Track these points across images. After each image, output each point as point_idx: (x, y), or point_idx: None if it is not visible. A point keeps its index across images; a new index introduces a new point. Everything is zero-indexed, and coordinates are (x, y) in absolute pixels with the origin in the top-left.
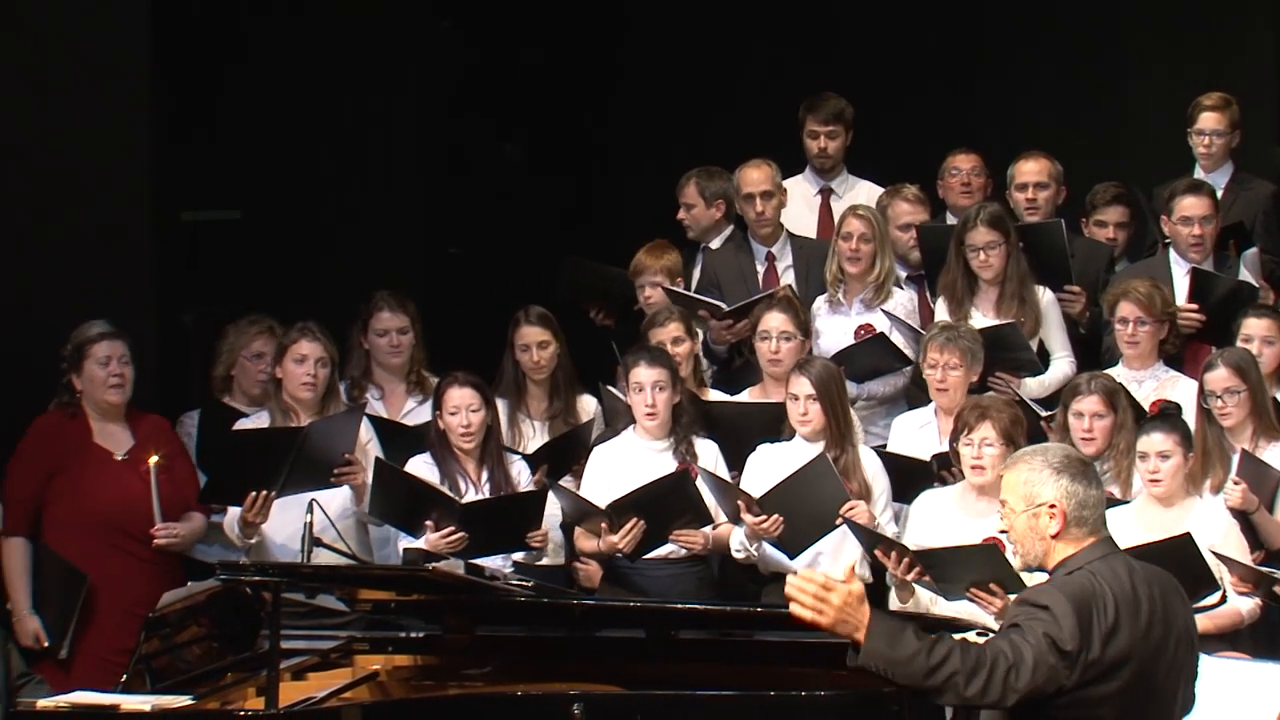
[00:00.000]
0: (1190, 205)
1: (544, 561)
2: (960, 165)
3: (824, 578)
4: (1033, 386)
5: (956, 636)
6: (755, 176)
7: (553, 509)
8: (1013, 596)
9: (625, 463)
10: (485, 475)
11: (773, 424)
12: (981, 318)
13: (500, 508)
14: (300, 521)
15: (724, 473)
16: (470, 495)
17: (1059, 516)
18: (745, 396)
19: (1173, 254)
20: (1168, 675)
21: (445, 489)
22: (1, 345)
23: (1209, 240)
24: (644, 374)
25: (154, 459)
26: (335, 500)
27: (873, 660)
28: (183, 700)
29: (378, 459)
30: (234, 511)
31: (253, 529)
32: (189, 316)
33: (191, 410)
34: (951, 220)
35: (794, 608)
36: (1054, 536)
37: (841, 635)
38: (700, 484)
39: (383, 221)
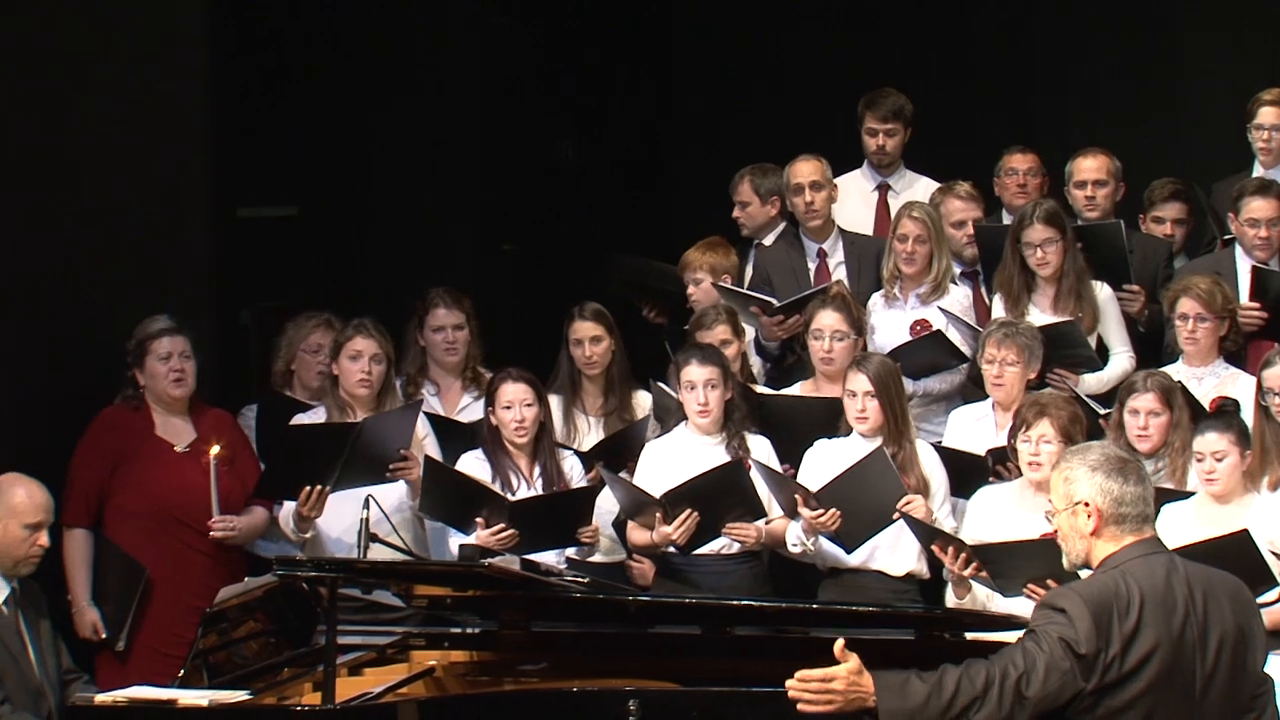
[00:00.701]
0: (1259, 208)
1: (598, 558)
2: (1016, 165)
3: (820, 672)
4: (1091, 383)
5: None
6: (804, 168)
7: (606, 505)
8: None
9: (678, 458)
10: (537, 470)
11: (826, 418)
12: (1039, 314)
13: (550, 505)
14: (355, 516)
15: (777, 468)
16: (522, 490)
17: (1095, 514)
18: (796, 391)
19: (1238, 250)
20: (1209, 679)
21: (497, 485)
22: (66, 341)
23: (1276, 241)
24: (695, 372)
25: (214, 450)
26: (391, 495)
27: (894, 718)
28: (240, 695)
29: (427, 457)
30: (289, 506)
31: (307, 523)
32: (247, 313)
33: (251, 404)
34: (1007, 219)
35: (802, 707)
36: (1092, 534)
37: (856, 709)
38: (754, 477)
39: (438, 218)
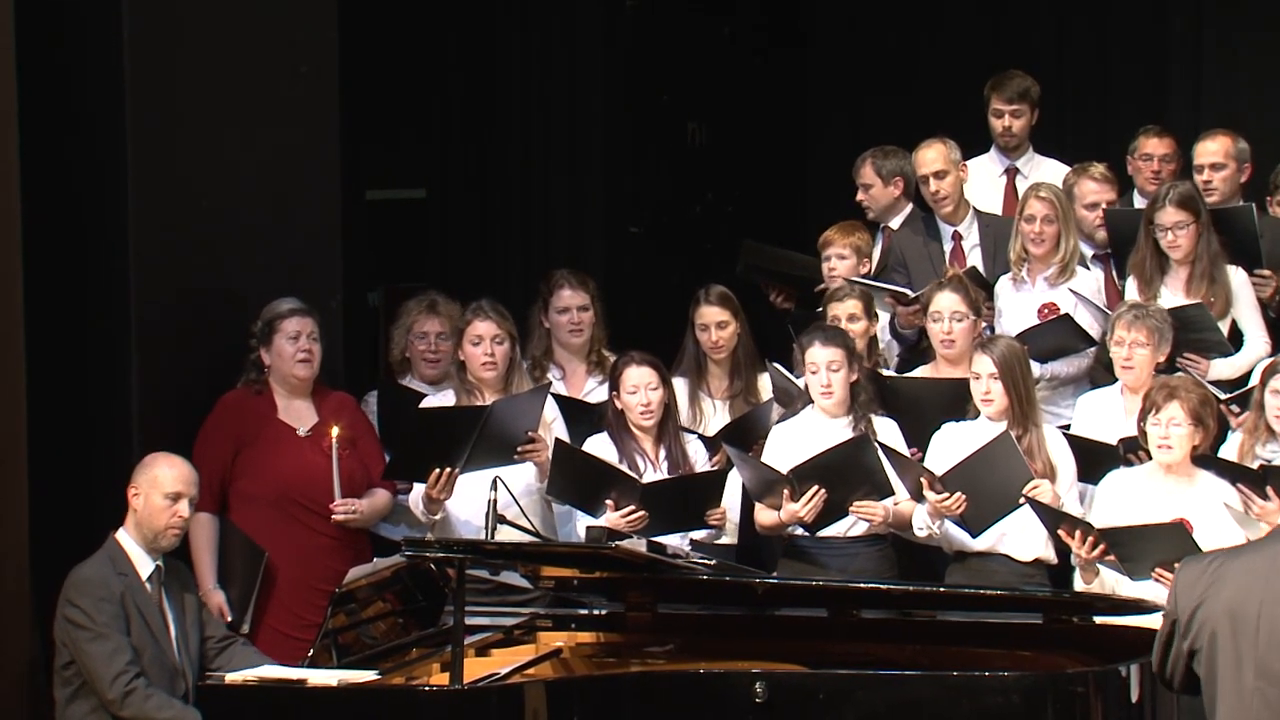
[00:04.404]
0: None
1: (723, 540)
2: (1151, 151)
3: None
4: (1223, 367)
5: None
6: (928, 156)
7: (732, 489)
8: None
9: (805, 440)
10: (663, 453)
11: (953, 400)
12: (1171, 298)
13: (681, 487)
14: (483, 498)
15: (904, 451)
16: (649, 474)
17: None
18: (919, 374)
19: None
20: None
21: (624, 468)
22: (195, 326)
23: None
24: (819, 354)
25: (335, 431)
26: (519, 477)
27: None
28: (368, 675)
29: (557, 440)
30: (419, 488)
31: (436, 505)
32: (374, 295)
33: (373, 390)
34: (1139, 201)
35: None
36: None
37: None
38: (880, 457)
39: (565, 200)
